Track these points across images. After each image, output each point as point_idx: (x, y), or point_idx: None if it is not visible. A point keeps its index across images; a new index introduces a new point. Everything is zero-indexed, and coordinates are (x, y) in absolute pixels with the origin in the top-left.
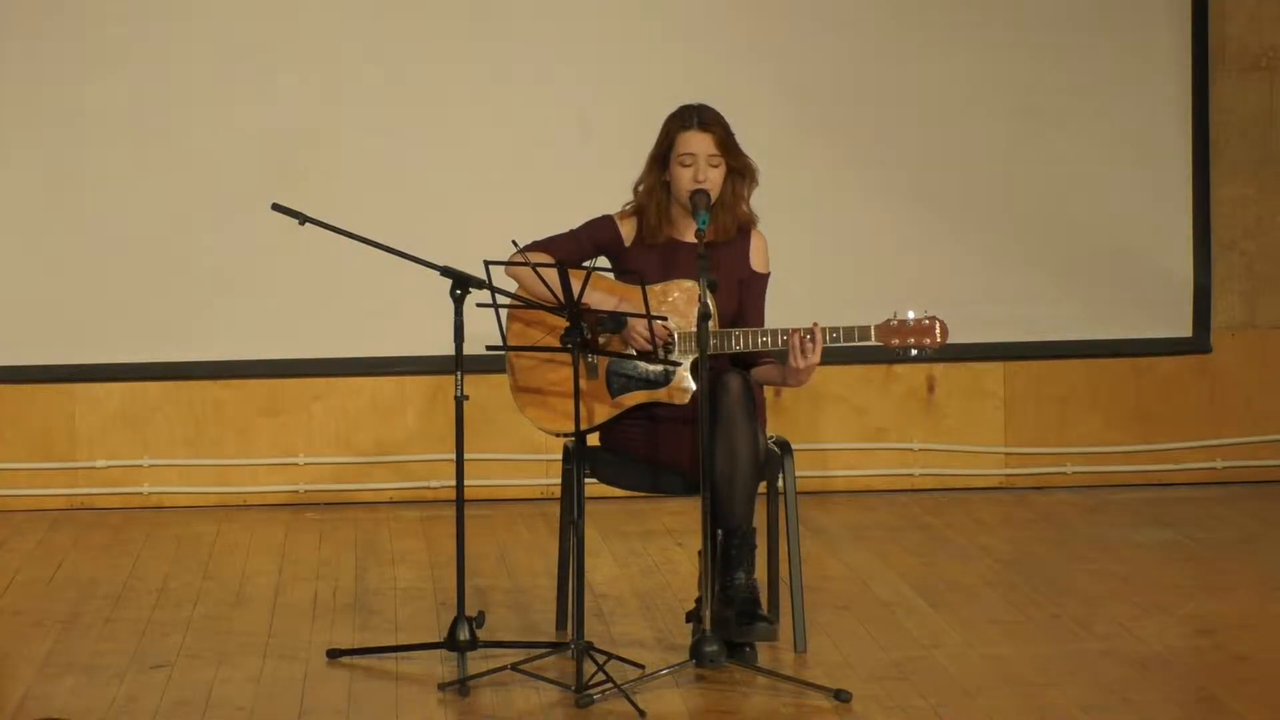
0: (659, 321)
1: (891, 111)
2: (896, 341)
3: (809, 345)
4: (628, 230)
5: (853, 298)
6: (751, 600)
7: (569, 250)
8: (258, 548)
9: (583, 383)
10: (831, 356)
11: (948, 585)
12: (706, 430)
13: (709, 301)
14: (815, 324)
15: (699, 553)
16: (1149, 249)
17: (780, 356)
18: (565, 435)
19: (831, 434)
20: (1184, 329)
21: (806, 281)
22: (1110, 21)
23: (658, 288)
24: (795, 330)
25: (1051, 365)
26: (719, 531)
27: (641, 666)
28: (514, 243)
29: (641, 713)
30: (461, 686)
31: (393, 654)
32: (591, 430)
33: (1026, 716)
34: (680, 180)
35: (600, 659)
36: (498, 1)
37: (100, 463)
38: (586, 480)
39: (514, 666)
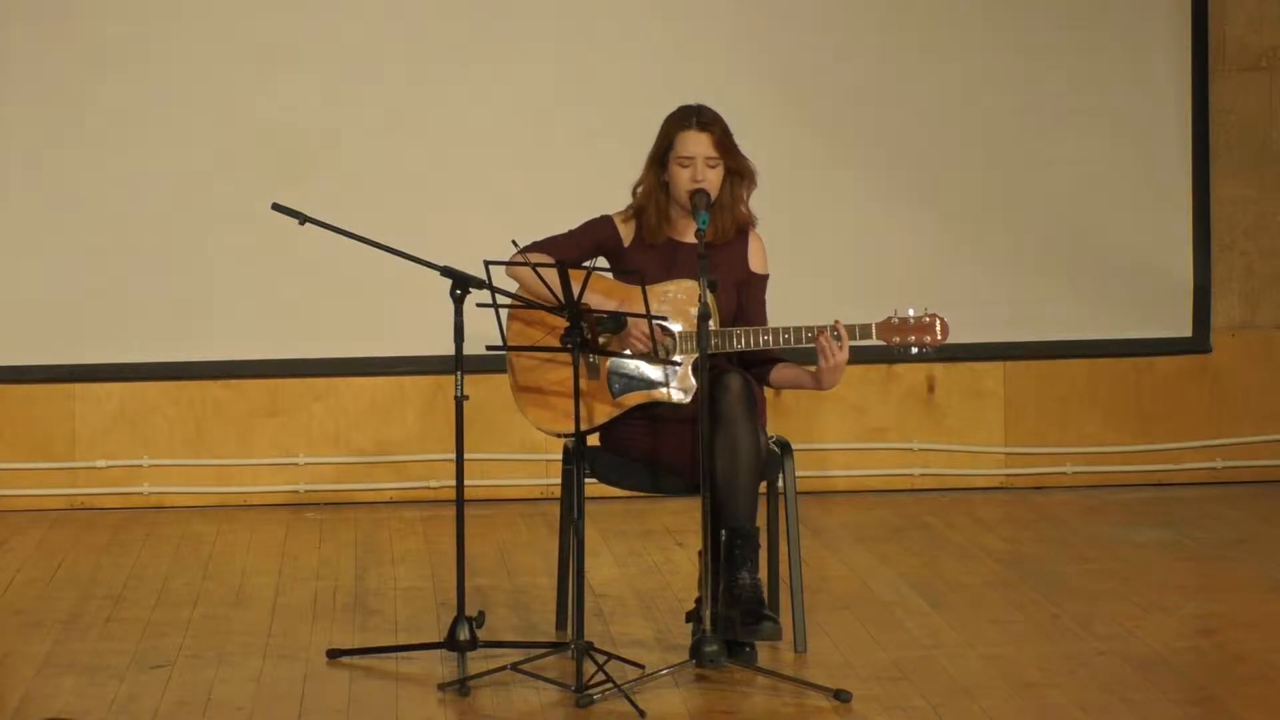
0: (655, 323)
1: (891, 111)
2: (897, 339)
3: (835, 343)
4: (626, 231)
5: (852, 298)
6: (756, 600)
7: (568, 251)
8: (258, 548)
9: (583, 383)
10: None
11: (948, 585)
12: (706, 430)
13: (709, 301)
14: (837, 320)
15: (699, 553)
16: (1149, 249)
17: (784, 354)
18: (565, 435)
19: (831, 434)
20: (1184, 329)
21: (806, 282)
22: (1110, 21)
23: (656, 287)
24: (820, 333)
25: (1051, 365)
26: (722, 531)
27: (641, 666)
28: (514, 243)
29: (641, 713)
30: (461, 686)
31: (393, 654)
32: (592, 431)
33: (1026, 716)
34: (679, 181)
35: (600, 659)
36: (498, 2)
37: (100, 463)
38: (586, 480)
39: (514, 666)
